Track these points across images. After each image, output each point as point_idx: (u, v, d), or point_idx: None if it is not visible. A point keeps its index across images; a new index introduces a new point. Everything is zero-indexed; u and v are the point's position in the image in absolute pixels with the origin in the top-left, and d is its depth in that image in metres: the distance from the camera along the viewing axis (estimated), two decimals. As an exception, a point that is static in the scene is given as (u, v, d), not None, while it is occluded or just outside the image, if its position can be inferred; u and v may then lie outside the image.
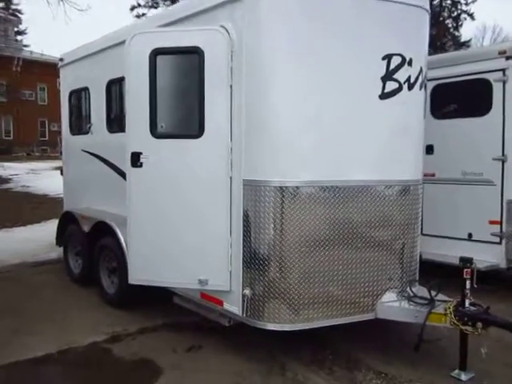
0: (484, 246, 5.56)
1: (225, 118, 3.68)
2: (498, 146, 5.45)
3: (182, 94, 3.88)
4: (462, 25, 26.29)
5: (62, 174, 6.67)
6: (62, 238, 6.21)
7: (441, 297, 3.88)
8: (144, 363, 3.89)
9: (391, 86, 3.73)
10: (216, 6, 3.78)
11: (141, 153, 3.87)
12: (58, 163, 13.67)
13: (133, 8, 25.67)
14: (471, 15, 25.73)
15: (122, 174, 4.58)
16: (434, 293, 3.86)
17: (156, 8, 25.34)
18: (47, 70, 26.52)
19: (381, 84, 3.73)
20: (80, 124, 6.12)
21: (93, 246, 5.33)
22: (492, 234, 5.50)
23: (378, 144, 3.81)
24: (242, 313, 3.71)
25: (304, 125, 3.58)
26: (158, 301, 4.66)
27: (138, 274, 4.00)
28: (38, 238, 8.26)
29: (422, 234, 5.78)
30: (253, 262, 3.64)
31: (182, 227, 3.83)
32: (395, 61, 3.75)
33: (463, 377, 3.63)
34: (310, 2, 3.58)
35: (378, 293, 3.87)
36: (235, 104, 3.66)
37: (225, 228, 3.75)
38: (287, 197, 3.53)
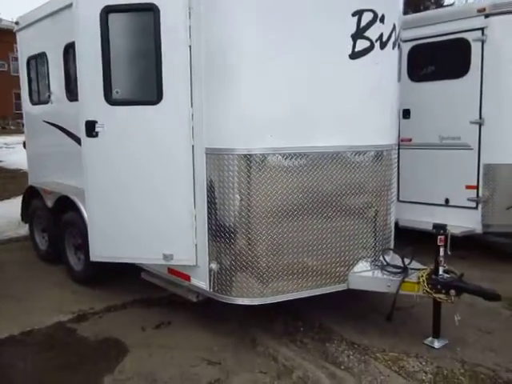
0: (460, 211, 5.46)
1: (184, 82, 3.40)
2: (475, 109, 5.27)
3: (137, 56, 3.56)
4: (444, -13, 25.75)
5: (24, 147, 6.32)
6: (27, 213, 5.94)
7: (415, 265, 3.77)
8: (110, 342, 3.72)
9: (362, 44, 3.47)
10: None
11: (96, 121, 3.58)
12: (29, 136, 13.12)
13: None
14: (454, -24, 25.15)
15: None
16: (407, 261, 3.76)
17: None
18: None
19: (351, 42, 3.46)
20: (40, 93, 5.74)
21: (57, 221, 5.08)
22: (468, 199, 5.40)
23: (348, 107, 3.58)
24: (210, 288, 3.54)
25: (269, 88, 3.32)
26: (127, 277, 4.47)
27: (100, 251, 3.78)
28: (7, 214, 7.91)
29: (399, 200, 5.70)
30: (219, 234, 3.45)
31: (142, 200, 3.60)
32: (366, 17, 3.48)
33: (436, 344, 3.57)
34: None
35: (351, 262, 3.74)
36: (195, 66, 3.38)
37: (188, 200, 3.53)
38: (253, 165, 3.32)
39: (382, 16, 3.54)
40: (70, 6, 4.53)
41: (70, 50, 4.89)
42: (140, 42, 3.53)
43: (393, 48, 3.67)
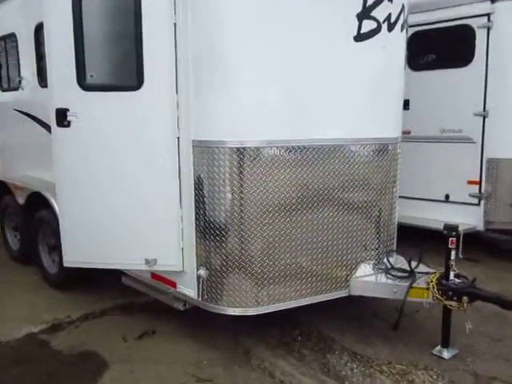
0: (461, 207, 5.18)
1: (168, 65, 2.99)
2: (479, 100, 4.97)
3: (115, 34, 3.11)
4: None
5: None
6: (-3, 210, 5.46)
7: (422, 268, 3.46)
8: (86, 357, 3.33)
9: (369, 25, 3.11)
10: None
11: (67, 109, 3.15)
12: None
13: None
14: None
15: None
16: (414, 264, 3.45)
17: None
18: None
19: (356, 23, 3.09)
20: (9, 78, 5.23)
21: (30, 219, 4.64)
22: (470, 195, 5.11)
23: (352, 96, 3.22)
24: (198, 296, 3.17)
25: (265, 74, 2.94)
26: (108, 279, 4.07)
27: (73, 255, 3.37)
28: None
29: (397, 196, 5.40)
30: (208, 237, 3.07)
31: (121, 198, 3.19)
32: (373, -6, 3.12)
33: (446, 354, 3.26)
34: None
35: (352, 265, 3.40)
36: (181, 47, 2.97)
37: (173, 198, 3.14)
38: (246, 160, 2.94)
39: (390, -6, 3.19)
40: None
41: (41, 31, 4.41)
42: (118, 19, 3.08)
43: (401, 30, 3.31)
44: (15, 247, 5.18)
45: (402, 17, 3.30)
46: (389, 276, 3.41)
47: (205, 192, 3.04)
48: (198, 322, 3.64)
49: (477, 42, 4.90)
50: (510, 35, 4.76)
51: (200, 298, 3.16)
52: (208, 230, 3.07)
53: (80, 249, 3.36)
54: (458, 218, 5.09)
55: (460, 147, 5.12)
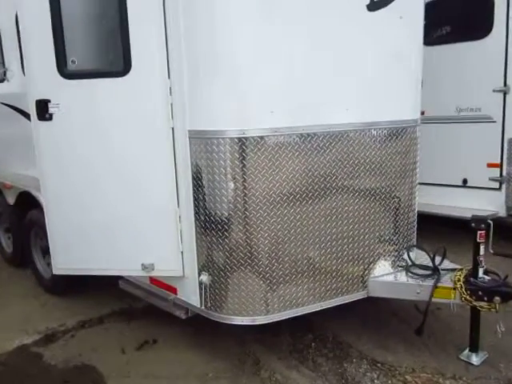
0: (481, 192, 4.80)
1: (159, 46, 2.62)
2: (499, 75, 4.55)
3: (98, 13, 2.73)
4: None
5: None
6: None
7: (446, 264, 3.12)
8: (82, 371, 3.03)
9: (383, -9, 2.72)
10: None
11: (49, 100, 2.79)
12: None
13: None
14: None
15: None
16: (437, 259, 3.11)
17: None
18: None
19: (368, -11, 2.71)
20: (-6, 70, 4.87)
21: (21, 220, 4.32)
22: (490, 179, 4.73)
23: (366, 75, 2.84)
24: (201, 304, 2.85)
25: (268, 52, 2.56)
26: (106, 283, 3.73)
27: (63, 262, 3.05)
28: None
29: (410, 182, 5.02)
30: (210, 237, 2.73)
31: (112, 198, 2.85)
32: (388, -45, 2.72)
33: (475, 360, 2.94)
34: None
35: (370, 262, 3.06)
36: (172, 25, 2.59)
37: (169, 196, 2.80)
38: (249, 150, 2.58)
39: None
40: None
41: (22, 17, 4.03)
42: (99, -5, 2.72)
43: (420, -3, 2.92)
44: (9, 249, 4.88)
45: (420, -19, 2.91)
46: (410, 274, 3.07)
47: (205, 188, 2.70)
48: (202, 328, 3.32)
49: (496, 10, 4.45)
50: (534, 2, 4.33)
51: (203, 307, 2.85)
52: (209, 229, 2.73)
53: (70, 254, 3.04)
54: (478, 204, 4.74)
55: (478, 127, 4.72)
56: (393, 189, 3.13)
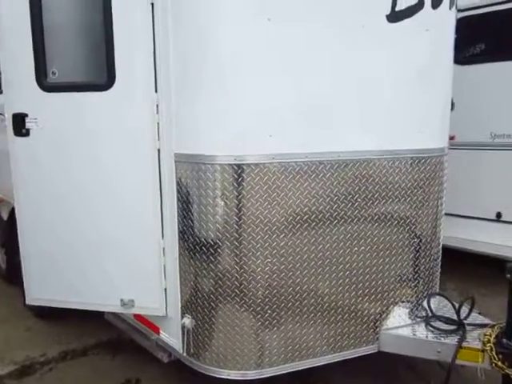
0: (517, 228, 4.28)
1: (146, 58, 2.31)
2: (541, 98, 4.07)
3: (81, 21, 2.46)
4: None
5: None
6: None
7: (475, 317, 2.65)
8: (52, 415, 2.72)
9: (406, 0, 2.33)
10: None
11: (26, 114, 2.52)
12: None
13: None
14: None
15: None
16: (462, 310, 2.64)
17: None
18: None
19: (390, -3, 2.33)
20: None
21: (14, 236, 4.07)
22: (528, 214, 4.21)
23: (383, 96, 2.45)
24: (183, 350, 2.48)
25: (270, 66, 2.20)
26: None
27: (37, 292, 2.74)
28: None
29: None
30: (195, 273, 2.37)
31: (90, 225, 2.54)
32: (413, -40, 2.34)
33: None
34: None
35: (383, 308, 2.62)
36: (161, 35, 2.29)
37: (153, 226, 2.46)
38: (245, 178, 2.21)
39: (436, -40, 2.39)
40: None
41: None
42: (83, 2, 2.43)
43: (450, 8, 2.51)
44: (3, 266, 4.65)
45: (451, -10, 2.51)
46: (429, 328, 2.62)
47: (192, 219, 2.34)
48: (190, 369, 2.95)
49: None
50: None
51: (185, 353, 2.48)
52: (195, 264, 2.36)
53: (44, 283, 2.73)
54: (513, 241, 4.22)
55: (516, 156, 4.22)
56: (413, 221, 2.69)
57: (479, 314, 2.77)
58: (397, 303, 2.72)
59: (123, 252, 2.55)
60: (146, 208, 2.46)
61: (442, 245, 3.11)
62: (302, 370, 2.68)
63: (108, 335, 3.49)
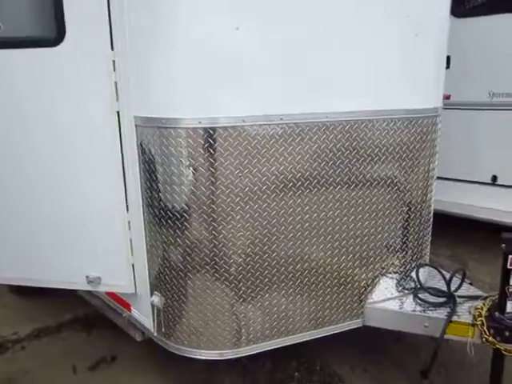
0: (513, 192, 4.07)
1: (98, 9, 2.00)
2: (544, 53, 3.75)
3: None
4: None
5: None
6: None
7: (466, 289, 2.47)
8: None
9: None
10: None
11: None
12: None
13: None
14: None
15: None
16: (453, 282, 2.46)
17: None
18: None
19: None
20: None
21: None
22: (526, 177, 3.99)
23: (370, 51, 2.16)
24: (154, 329, 2.31)
25: (234, 13, 1.91)
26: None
27: (3, 270, 2.54)
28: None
29: (430, 177, 4.31)
30: (163, 245, 2.15)
31: (47, 195, 2.29)
32: None
33: (495, 412, 2.32)
34: None
35: (368, 278, 2.43)
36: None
37: (116, 199, 2.23)
38: (210, 145, 1.96)
39: None
40: None
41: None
42: None
43: None
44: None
45: None
46: (418, 300, 2.44)
47: (159, 190, 2.10)
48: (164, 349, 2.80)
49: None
50: None
51: (156, 333, 2.30)
52: (163, 241, 2.15)
53: (9, 263, 2.52)
54: (508, 206, 4.01)
55: (515, 116, 3.95)
56: (402, 186, 2.44)
57: (470, 284, 2.60)
58: (383, 274, 2.52)
59: (86, 227, 2.32)
60: (108, 179, 2.21)
61: (435, 209, 2.92)
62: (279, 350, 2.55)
63: (85, 310, 3.33)
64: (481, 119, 4.14)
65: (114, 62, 2.06)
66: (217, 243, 2.07)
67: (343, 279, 2.38)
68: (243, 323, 2.21)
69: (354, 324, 2.43)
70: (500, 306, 2.22)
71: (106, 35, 2.04)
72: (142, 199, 2.17)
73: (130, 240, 2.29)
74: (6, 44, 2.15)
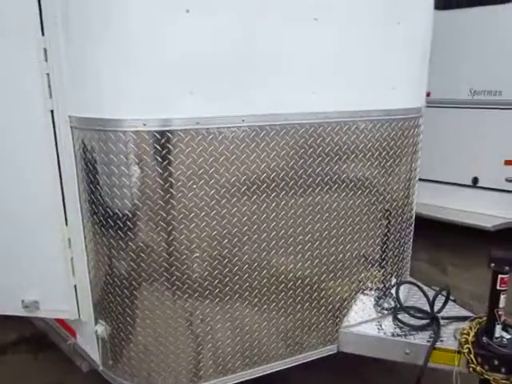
0: (494, 195, 3.85)
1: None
2: (527, 49, 3.54)
3: None
4: None
5: None
6: None
7: (450, 309, 2.22)
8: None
9: None
10: None
11: None
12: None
13: None
14: None
15: None
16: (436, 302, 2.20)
17: None
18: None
19: None
20: None
21: None
22: (507, 180, 3.77)
23: (343, 45, 1.86)
24: (100, 360, 1.99)
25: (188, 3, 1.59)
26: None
27: None
28: None
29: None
30: (107, 274, 1.84)
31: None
32: None
33: None
34: None
35: (342, 299, 2.16)
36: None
37: (54, 212, 1.89)
38: (157, 151, 1.63)
39: None
40: None
41: None
42: None
43: None
44: None
45: None
46: (398, 323, 2.18)
47: (99, 201, 1.77)
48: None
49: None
50: None
51: (101, 366, 1.98)
52: (104, 262, 1.82)
53: None
54: (489, 209, 3.82)
55: (497, 115, 3.72)
56: (380, 185, 2.17)
57: (454, 301, 2.35)
58: (360, 290, 2.25)
59: (22, 243, 1.98)
60: (44, 189, 1.87)
61: (417, 213, 2.65)
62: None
63: (32, 329, 2.96)
64: (462, 118, 3.92)
65: (45, 50, 1.72)
66: (167, 266, 1.75)
67: (316, 294, 2.08)
68: (201, 357, 1.90)
69: (327, 351, 2.14)
70: (488, 330, 1.98)
71: (35, 16, 1.68)
72: (82, 213, 1.83)
73: (71, 259, 1.95)
74: None
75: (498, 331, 1.97)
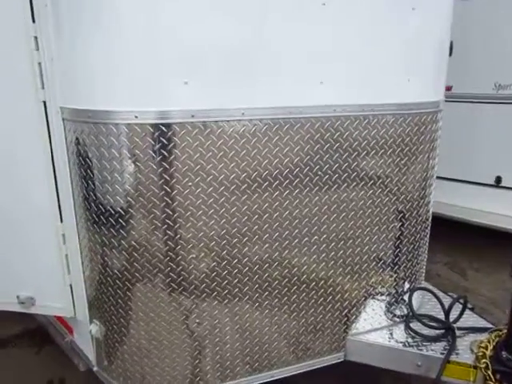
0: (518, 195, 3.62)
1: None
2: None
3: None
4: None
5: None
6: None
7: (468, 318, 2.05)
8: None
9: None
10: None
11: None
12: None
13: None
14: None
15: None
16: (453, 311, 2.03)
17: None
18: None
19: None
20: None
21: None
22: (533, 179, 3.54)
23: (356, 34, 1.69)
24: (95, 360, 1.90)
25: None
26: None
27: None
28: None
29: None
30: (100, 273, 1.74)
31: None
32: None
33: None
34: None
35: (351, 304, 2.01)
36: None
37: (49, 208, 1.79)
38: (150, 146, 1.52)
39: None
40: None
41: None
42: None
43: None
44: None
45: None
46: (410, 332, 2.02)
47: (90, 200, 1.67)
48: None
49: None
50: None
51: (96, 366, 1.89)
52: (98, 261, 1.72)
53: None
54: (513, 210, 3.58)
55: (523, 111, 3.49)
56: (394, 182, 2.00)
57: (472, 310, 2.18)
58: (371, 295, 2.09)
59: (18, 240, 1.89)
60: (38, 183, 1.78)
61: (432, 212, 2.47)
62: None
63: (37, 322, 2.91)
64: (485, 113, 3.66)
65: (36, 38, 1.61)
66: (163, 268, 1.64)
67: (322, 299, 1.93)
68: (201, 363, 1.78)
69: (333, 359, 2.00)
70: (508, 344, 1.80)
71: (26, 5, 1.58)
72: (74, 208, 1.73)
73: (66, 256, 1.86)
74: None
75: (519, 346, 1.80)
